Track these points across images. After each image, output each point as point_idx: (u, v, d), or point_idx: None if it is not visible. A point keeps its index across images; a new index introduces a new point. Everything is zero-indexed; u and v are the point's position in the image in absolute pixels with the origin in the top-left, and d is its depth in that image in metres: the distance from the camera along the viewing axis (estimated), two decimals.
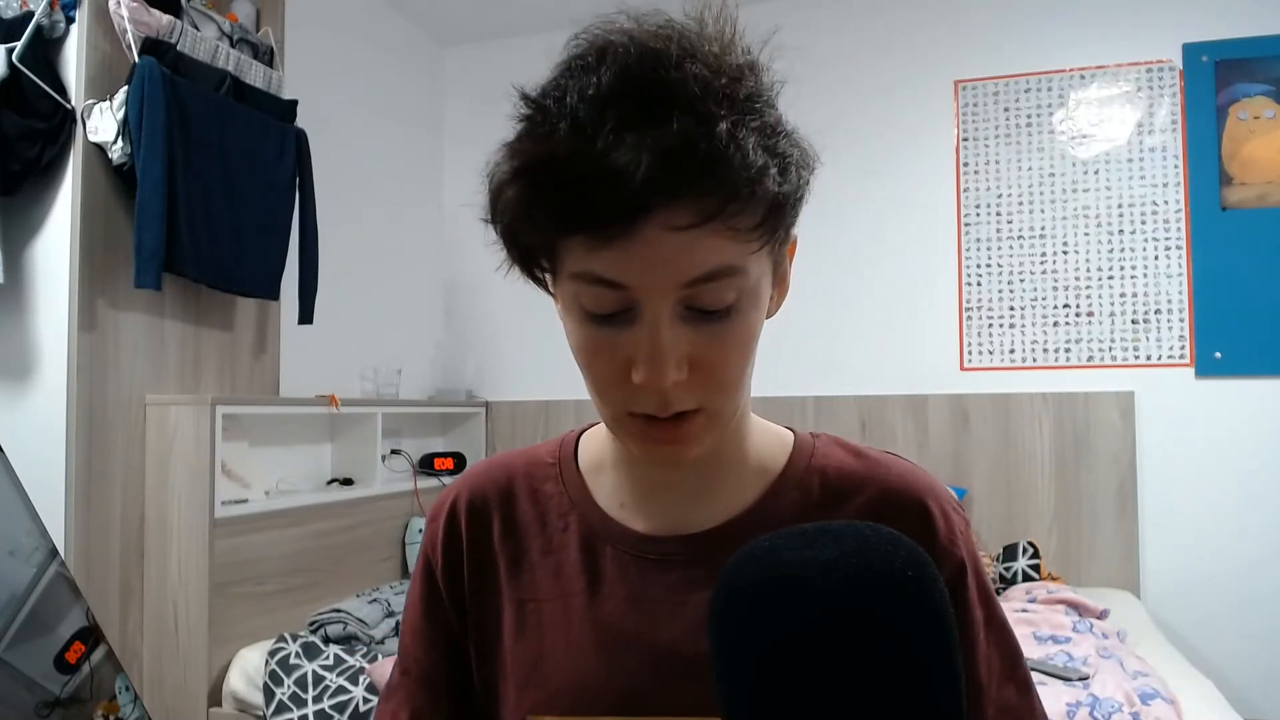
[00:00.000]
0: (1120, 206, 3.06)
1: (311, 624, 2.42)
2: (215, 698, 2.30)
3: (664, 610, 0.66)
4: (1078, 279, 3.09)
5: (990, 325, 3.16)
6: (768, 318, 0.64)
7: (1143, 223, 3.04)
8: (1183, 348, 2.97)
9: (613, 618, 0.67)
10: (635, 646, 0.65)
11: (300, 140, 2.70)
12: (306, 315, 2.72)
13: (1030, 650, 2.12)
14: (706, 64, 0.54)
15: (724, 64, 0.55)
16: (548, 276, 0.62)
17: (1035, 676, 1.98)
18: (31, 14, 2.12)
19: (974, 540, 0.70)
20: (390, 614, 2.50)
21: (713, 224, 0.53)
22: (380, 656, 2.29)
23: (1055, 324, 3.10)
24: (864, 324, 3.27)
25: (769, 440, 0.71)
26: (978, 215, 3.20)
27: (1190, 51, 3.00)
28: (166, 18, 2.30)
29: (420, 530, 3.12)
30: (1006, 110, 3.19)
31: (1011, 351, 3.14)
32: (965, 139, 3.22)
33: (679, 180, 0.52)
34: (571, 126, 0.53)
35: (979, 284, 3.18)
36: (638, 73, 0.54)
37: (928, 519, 0.66)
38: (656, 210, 0.53)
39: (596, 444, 0.74)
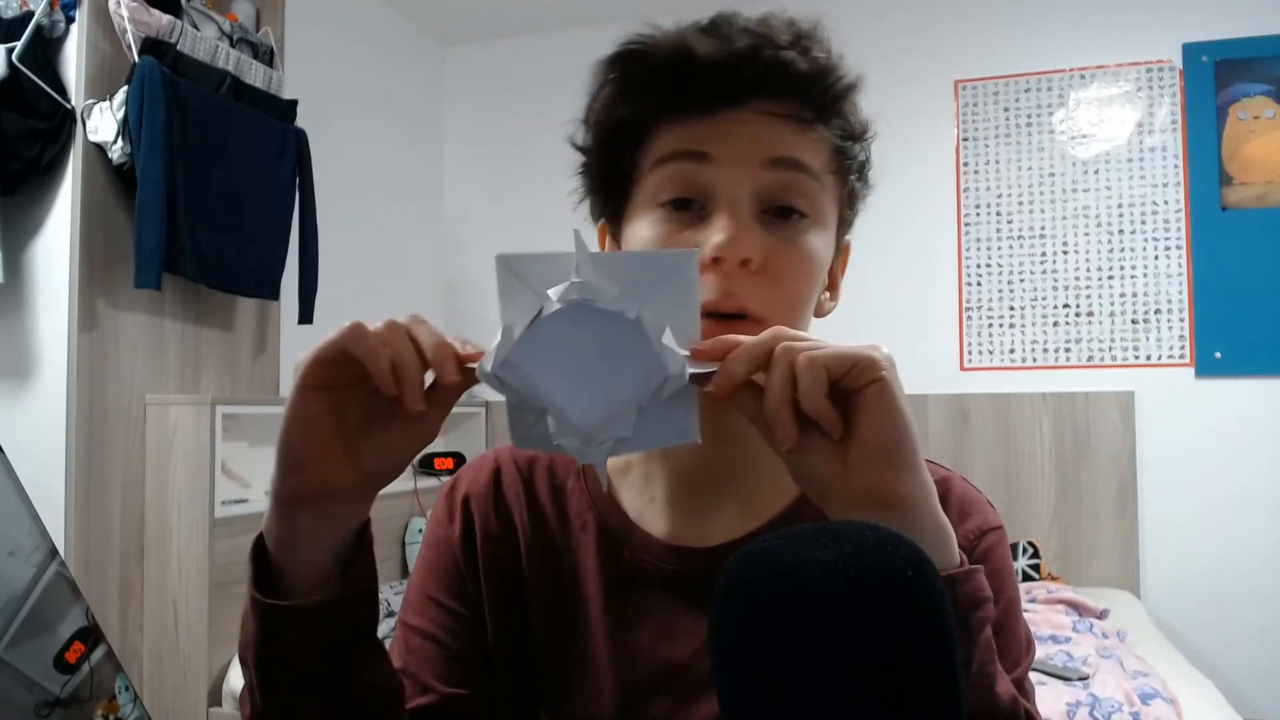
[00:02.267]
0: (1120, 206, 3.06)
1: None
2: (215, 698, 2.30)
3: (683, 625, 0.64)
4: (1078, 279, 3.09)
5: (990, 325, 3.16)
6: (819, 315, 0.65)
7: (1143, 223, 3.04)
8: (1183, 348, 2.97)
9: (634, 631, 0.65)
10: (651, 662, 0.64)
11: (300, 140, 2.70)
12: (306, 315, 2.72)
13: None
14: (803, 27, 0.62)
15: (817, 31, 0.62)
16: (628, 194, 0.63)
17: (1035, 676, 1.98)
18: (31, 14, 2.12)
19: (1005, 553, 0.67)
20: (390, 614, 2.50)
21: (794, 123, 0.58)
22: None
23: (1055, 324, 3.10)
24: (864, 324, 3.26)
25: None
26: (978, 215, 3.20)
27: (1190, 51, 3.00)
28: (166, 18, 2.30)
29: (420, 530, 3.12)
30: (1006, 110, 3.19)
31: (1011, 351, 3.14)
32: (965, 139, 3.22)
33: (775, 77, 0.58)
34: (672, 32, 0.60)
35: (979, 284, 3.18)
36: (734, 19, 0.61)
37: (974, 520, 0.65)
38: (750, 98, 0.58)
39: None
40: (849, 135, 0.61)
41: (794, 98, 0.58)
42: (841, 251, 0.67)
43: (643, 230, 0.61)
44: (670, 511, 0.66)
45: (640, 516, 0.67)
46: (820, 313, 0.65)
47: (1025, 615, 2.34)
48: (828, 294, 0.66)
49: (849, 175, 0.63)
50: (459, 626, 0.69)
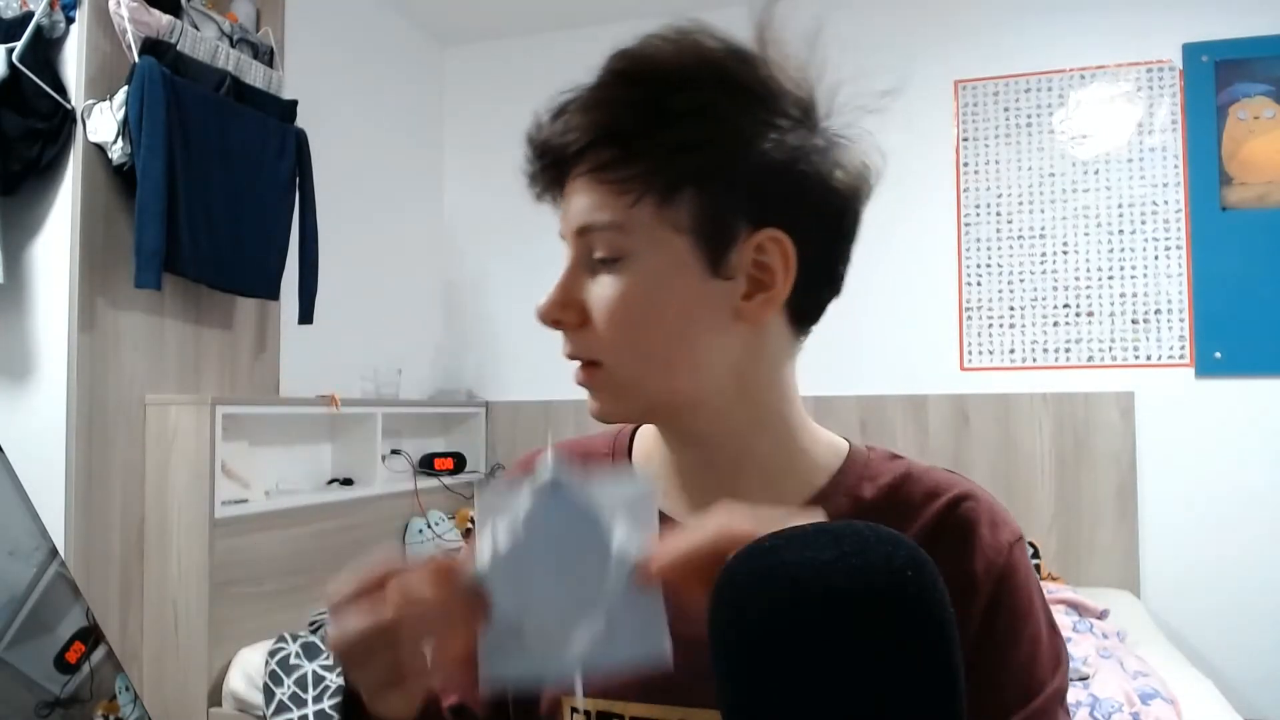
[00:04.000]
0: (1120, 206, 3.06)
1: (312, 624, 2.42)
2: (215, 698, 2.30)
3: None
4: (1078, 279, 3.09)
5: (990, 325, 3.16)
6: (749, 322, 0.64)
7: (1143, 223, 3.04)
8: (1183, 348, 2.97)
9: None
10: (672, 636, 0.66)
11: (300, 140, 2.70)
12: (306, 315, 2.72)
13: None
14: (651, 55, 0.63)
15: (670, 55, 0.62)
16: None
17: None
18: (31, 14, 2.12)
19: (1026, 556, 0.67)
20: None
21: (596, 176, 0.62)
22: None
23: (1055, 324, 3.10)
24: (864, 324, 3.27)
25: (821, 448, 0.70)
26: (978, 215, 3.20)
27: (1190, 51, 3.00)
28: (166, 18, 2.30)
29: (420, 530, 3.12)
30: (1006, 110, 3.19)
31: (1011, 351, 3.14)
32: (965, 139, 3.22)
33: (581, 139, 0.62)
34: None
35: (979, 284, 3.18)
36: (617, 54, 0.64)
37: (970, 544, 0.64)
38: (570, 167, 0.63)
39: (649, 436, 0.75)
40: (668, 154, 0.60)
41: (594, 153, 0.61)
42: (766, 248, 0.63)
43: None
44: (684, 501, 0.69)
45: (664, 506, 0.69)
46: (744, 318, 0.64)
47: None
48: (755, 299, 0.64)
49: (692, 189, 0.61)
50: None
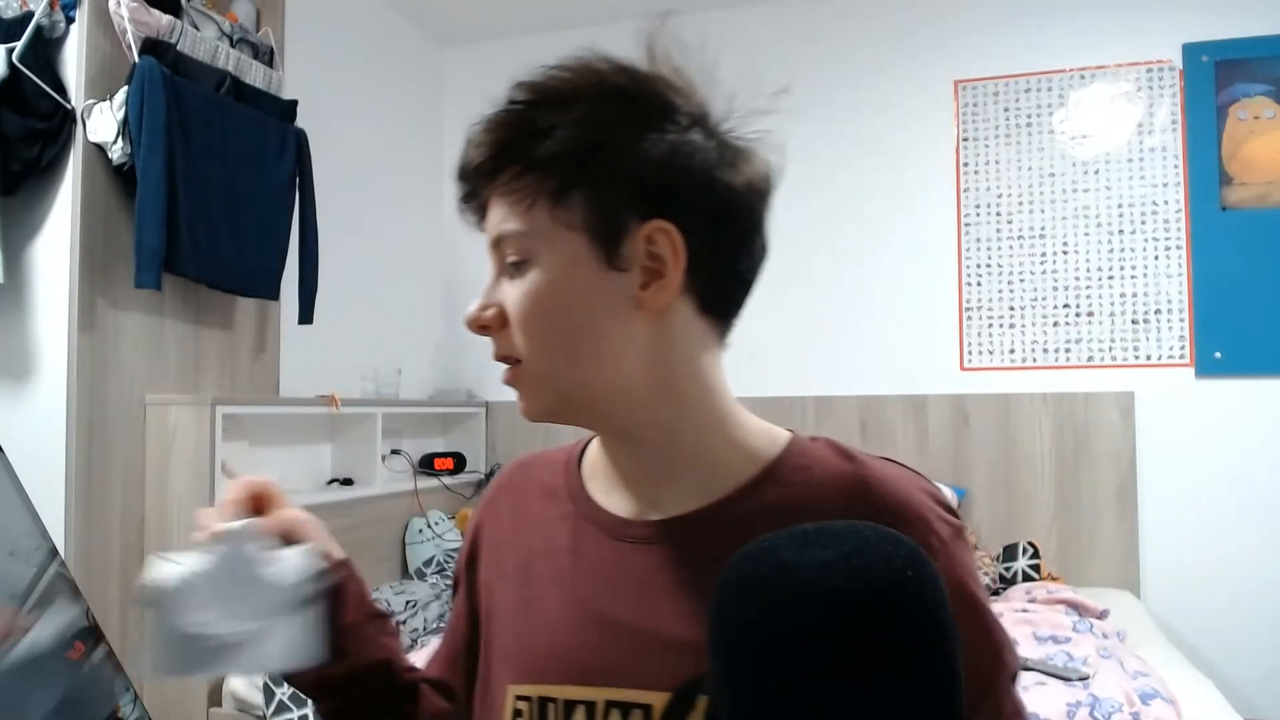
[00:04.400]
0: (1120, 206, 3.06)
1: None
2: (215, 698, 2.30)
3: (632, 587, 0.69)
4: (1078, 279, 3.09)
5: (990, 325, 3.16)
6: (650, 310, 0.67)
7: (1143, 223, 3.04)
8: (1183, 348, 2.97)
9: (588, 593, 0.71)
10: (601, 621, 0.69)
11: (300, 140, 2.70)
12: (306, 315, 2.72)
13: (1030, 650, 2.13)
14: (548, 81, 0.68)
15: (566, 78, 0.68)
16: None
17: (1035, 676, 1.98)
18: (31, 14, 2.12)
19: (969, 546, 0.69)
20: (390, 613, 2.50)
21: (502, 190, 0.68)
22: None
23: (1055, 324, 3.10)
24: (864, 324, 3.27)
25: (757, 439, 0.72)
26: (978, 215, 3.20)
27: (1190, 51, 3.00)
28: (166, 18, 2.30)
29: (420, 530, 3.12)
30: (1006, 110, 3.19)
31: (1011, 351, 3.14)
32: (965, 139, 3.22)
33: (487, 160, 0.69)
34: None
35: (979, 284, 3.18)
36: (517, 83, 0.70)
37: (909, 531, 0.63)
38: (483, 187, 0.70)
39: (597, 443, 0.78)
40: (556, 162, 0.66)
41: (497, 171, 0.68)
42: (655, 239, 0.65)
43: None
44: (628, 497, 0.73)
45: (606, 501, 0.74)
46: (645, 307, 0.66)
47: (1025, 615, 2.32)
48: (651, 288, 0.66)
49: (584, 190, 0.65)
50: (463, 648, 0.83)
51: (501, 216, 0.68)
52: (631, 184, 0.65)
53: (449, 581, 2.83)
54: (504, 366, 0.71)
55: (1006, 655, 0.67)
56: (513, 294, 0.68)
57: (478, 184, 0.71)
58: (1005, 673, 0.67)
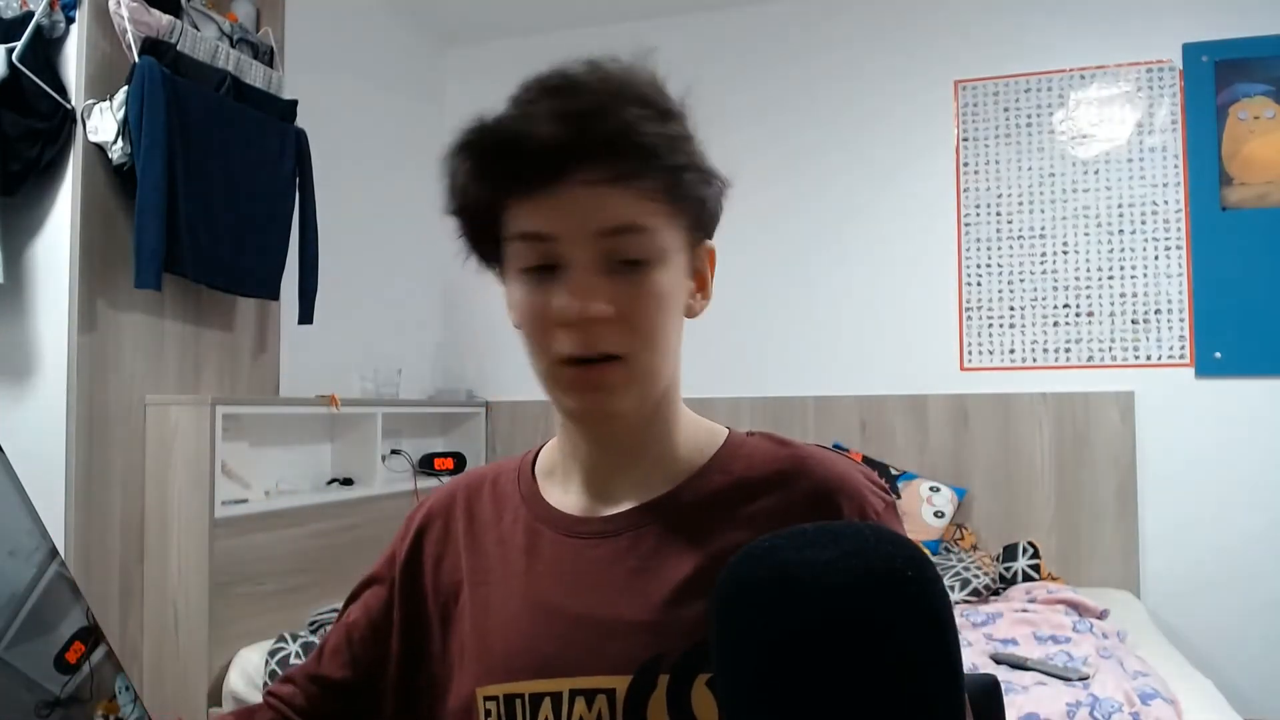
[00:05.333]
0: (1120, 206, 3.06)
1: (311, 624, 2.42)
2: (215, 698, 2.30)
3: (586, 581, 0.71)
4: (1078, 279, 3.09)
5: (990, 325, 3.16)
6: (691, 316, 0.73)
7: (1143, 223, 3.04)
8: (1183, 348, 2.97)
9: (545, 590, 0.72)
10: (559, 615, 0.71)
11: (300, 140, 2.70)
12: (306, 315, 2.72)
13: (1030, 650, 2.13)
14: (619, 77, 0.67)
15: (636, 79, 0.67)
16: (500, 257, 0.72)
17: (1035, 676, 1.98)
18: (31, 14, 2.12)
19: (901, 522, 0.73)
20: None
21: (621, 183, 0.64)
22: None
23: (1055, 324, 3.10)
24: (864, 324, 3.27)
25: (701, 435, 0.76)
26: (978, 215, 3.20)
27: (1190, 51, 3.00)
28: (166, 18, 2.30)
29: None
30: (1006, 110, 3.19)
31: (1011, 351, 3.14)
32: (965, 139, 3.22)
33: (590, 143, 0.64)
34: (508, 105, 0.67)
35: (979, 284, 3.18)
36: (562, 71, 0.67)
37: (839, 511, 0.68)
38: (572, 168, 0.64)
39: (551, 448, 0.81)
40: (679, 171, 0.67)
41: (613, 160, 0.64)
42: (706, 256, 0.74)
43: (515, 293, 0.70)
44: (582, 496, 0.76)
45: (559, 503, 0.77)
46: (691, 314, 0.73)
47: (1025, 615, 2.32)
48: (697, 296, 0.74)
49: (688, 201, 0.69)
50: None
51: (620, 209, 0.65)
52: (706, 204, 0.71)
53: None
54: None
55: None
56: (632, 291, 0.66)
57: (558, 164, 0.65)
58: None
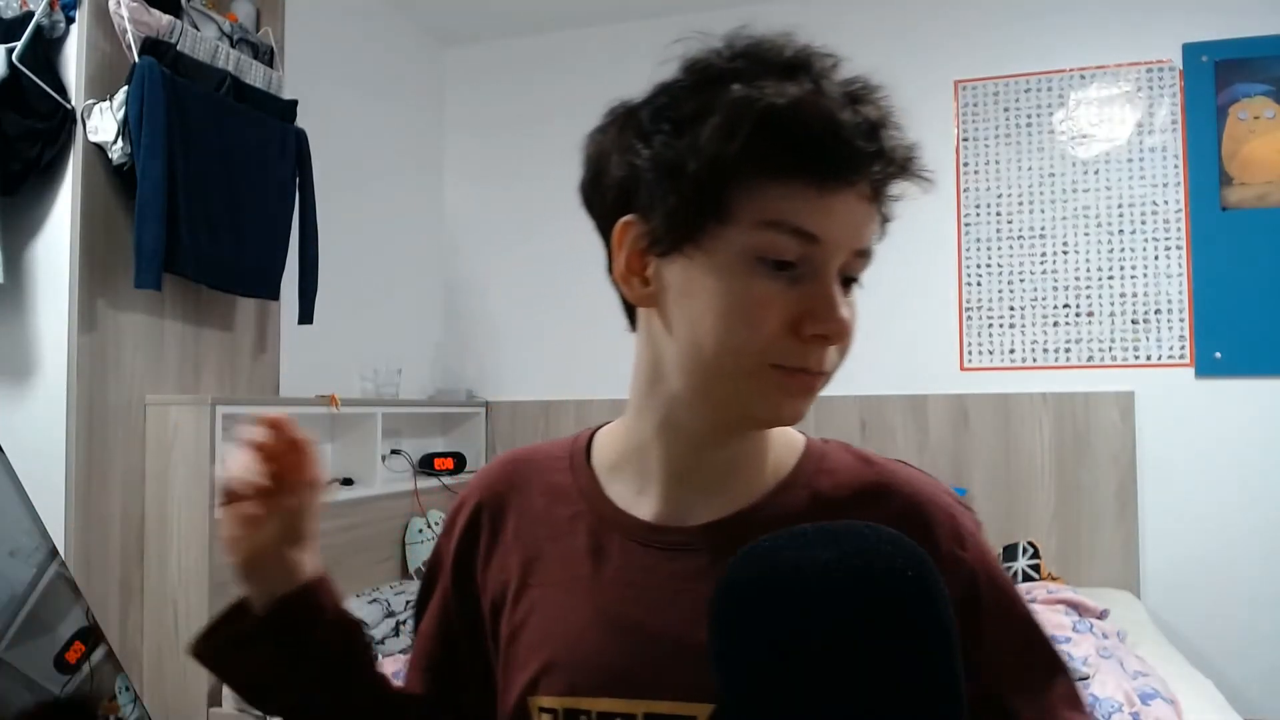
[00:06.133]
0: (1120, 206, 3.06)
1: None
2: (215, 698, 2.30)
3: (665, 596, 0.66)
4: (1078, 279, 3.09)
5: (990, 325, 3.16)
6: None
7: (1143, 223, 3.04)
8: (1183, 348, 2.97)
9: (614, 601, 0.67)
10: (634, 630, 0.66)
11: (300, 140, 2.70)
12: (306, 315, 2.72)
13: None
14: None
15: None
16: (699, 234, 0.62)
17: None
18: (31, 14, 2.12)
19: (987, 541, 0.70)
20: (390, 614, 2.50)
21: (877, 203, 0.62)
22: (380, 656, 2.29)
23: (1055, 324, 3.10)
24: (864, 324, 3.23)
25: (780, 441, 0.72)
26: (978, 215, 3.20)
27: (1190, 51, 3.00)
28: (166, 18, 2.30)
29: (420, 530, 3.12)
30: (1006, 110, 3.19)
31: (1011, 351, 3.14)
32: (965, 139, 3.22)
33: (887, 154, 0.59)
34: (784, 78, 0.60)
35: (979, 284, 3.18)
36: (831, 55, 0.64)
37: (930, 530, 0.65)
38: (866, 175, 0.59)
39: (612, 442, 0.75)
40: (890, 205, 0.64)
41: (889, 178, 0.61)
42: None
43: (725, 282, 0.61)
44: (659, 501, 0.70)
45: (629, 505, 0.71)
46: None
47: None
48: None
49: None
50: (453, 659, 0.78)
51: (870, 228, 0.62)
52: None
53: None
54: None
55: (1055, 648, 0.67)
56: (853, 309, 0.64)
57: (859, 162, 0.59)
58: (1061, 670, 0.66)
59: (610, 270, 0.68)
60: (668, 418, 0.68)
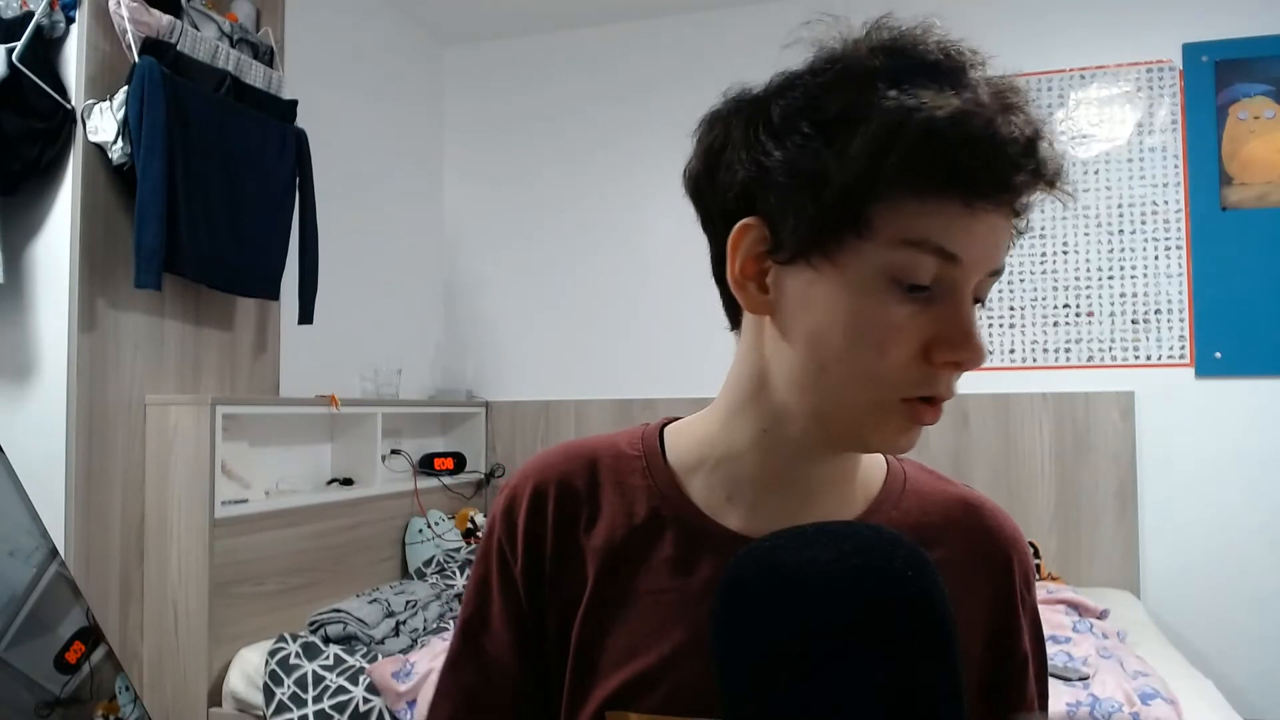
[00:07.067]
0: (1120, 206, 3.06)
1: (311, 624, 2.42)
2: (215, 698, 2.30)
3: None
4: (1078, 279, 3.09)
5: (990, 325, 3.16)
6: None
7: (1143, 223, 3.04)
8: (1183, 348, 2.97)
9: (707, 618, 0.65)
10: None
11: (300, 140, 2.70)
12: (306, 315, 2.72)
13: None
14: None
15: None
16: (830, 247, 0.58)
17: None
18: (31, 14, 2.12)
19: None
20: (390, 614, 2.50)
21: (1014, 220, 0.59)
22: (380, 656, 2.29)
23: (1055, 324, 3.10)
24: None
25: (866, 462, 0.71)
26: None
27: (1190, 51, 3.00)
28: (166, 18, 2.30)
29: (420, 530, 3.12)
30: None
31: (1011, 351, 3.14)
32: None
33: (1045, 169, 0.56)
34: (935, 87, 0.56)
35: None
36: (968, 50, 0.60)
37: (1009, 572, 0.69)
38: (1015, 194, 0.56)
39: (691, 441, 0.70)
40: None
41: (1032, 195, 0.58)
42: None
43: (869, 300, 0.57)
44: (749, 511, 0.67)
45: (715, 512, 0.67)
46: None
47: None
48: None
49: None
50: (513, 655, 0.70)
51: (1005, 249, 0.60)
52: None
53: (449, 581, 2.83)
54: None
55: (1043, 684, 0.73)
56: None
57: (1012, 181, 0.56)
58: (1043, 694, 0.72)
59: (716, 268, 0.64)
60: (770, 428, 0.64)
